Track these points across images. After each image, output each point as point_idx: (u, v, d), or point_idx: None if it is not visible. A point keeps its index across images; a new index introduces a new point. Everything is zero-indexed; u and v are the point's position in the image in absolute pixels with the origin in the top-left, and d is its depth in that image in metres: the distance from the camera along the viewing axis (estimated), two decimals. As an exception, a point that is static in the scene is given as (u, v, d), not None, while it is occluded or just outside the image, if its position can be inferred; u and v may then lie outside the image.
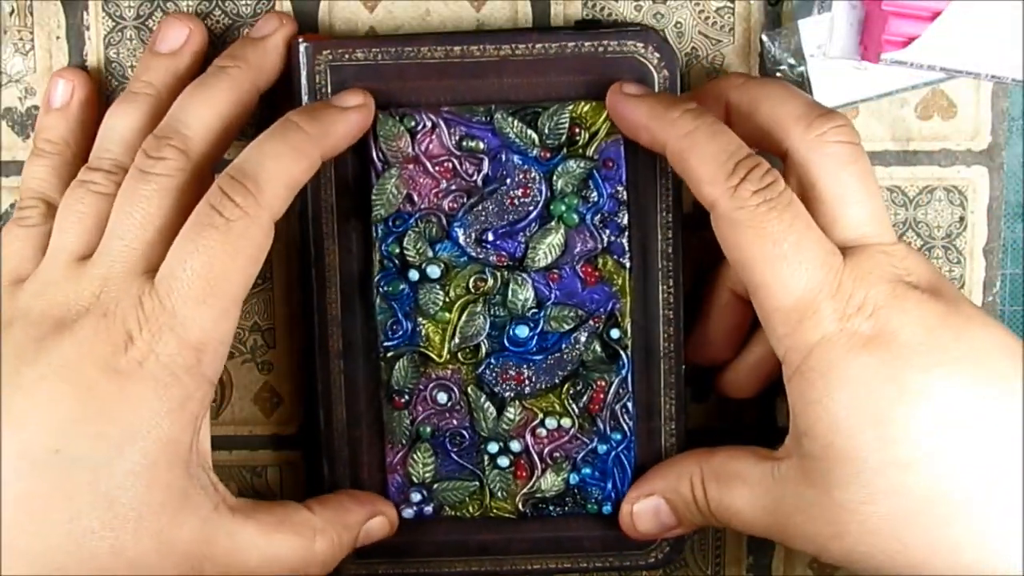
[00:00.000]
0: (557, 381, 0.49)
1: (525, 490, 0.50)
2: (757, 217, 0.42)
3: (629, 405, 0.49)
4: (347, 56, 0.48)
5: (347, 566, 0.50)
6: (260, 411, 0.53)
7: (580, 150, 0.48)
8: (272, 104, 0.50)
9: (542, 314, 0.49)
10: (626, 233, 0.48)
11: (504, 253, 0.48)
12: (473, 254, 0.48)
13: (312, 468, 0.52)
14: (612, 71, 0.48)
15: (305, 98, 0.48)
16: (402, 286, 0.48)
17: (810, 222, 0.42)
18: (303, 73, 0.48)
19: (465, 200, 0.48)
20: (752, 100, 0.46)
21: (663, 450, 0.50)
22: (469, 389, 0.49)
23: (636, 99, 0.46)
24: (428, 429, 0.49)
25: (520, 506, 0.50)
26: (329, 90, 0.48)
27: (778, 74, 0.50)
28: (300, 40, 0.48)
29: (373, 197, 0.48)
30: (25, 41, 0.51)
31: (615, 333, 0.49)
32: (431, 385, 0.49)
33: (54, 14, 0.51)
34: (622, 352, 0.49)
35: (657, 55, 0.48)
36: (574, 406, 0.49)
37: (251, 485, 0.53)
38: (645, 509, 0.48)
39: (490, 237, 0.48)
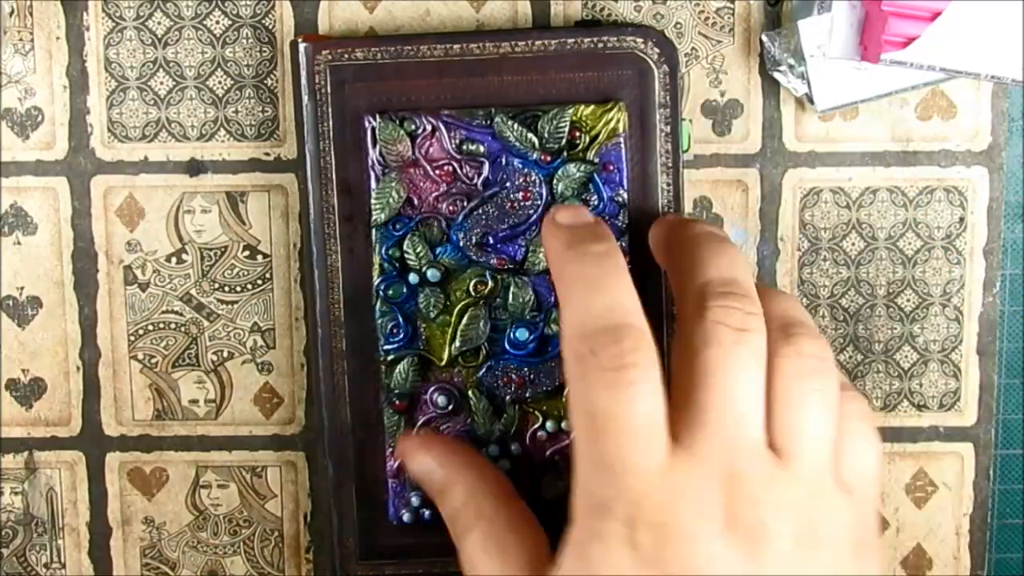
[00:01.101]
0: (557, 384, 0.50)
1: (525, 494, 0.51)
2: (604, 397, 0.37)
3: None
4: (347, 56, 0.49)
5: (352, 567, 0.50)
6: (260, 411, 0.53)
7: (580, 153, 0.49)
8: (273, 103, 0.51)
9: (542, 317, 0.49)
10: (625, 236, 0.49)
11: (504, 256, 0.49)
12: (473, 257, 0.49)
13: (315, 468, 0.52)
14: (612, 68, 0.48)
15: (305, 98, 0.48)
16: (403, 289, 0.49)
17: (660, 418, 0.38)
18: (303, 73, 0.49)
19: (465, 204, 0.49)
20: (698, 244, 0.42)
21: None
22: (469, 392, 0.50)
23: (552, 229, 0.43)
24: None
25: None
26: (329, 90, 0.48)
27: (778, 74, 0.50)
28: (300, 40, 0.49)
29: (373, 201, 0.49)
30: (25, 41, 0.52)
31: None
32: (431, 389, 0.50)
33: (54, 14, 0.52)
34: None
35: (657, 51, 0.48)
36: None
37: (251, 485, 0.54)
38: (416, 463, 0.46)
39: (490, 240, 0.49)
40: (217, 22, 0.51)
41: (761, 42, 0.51)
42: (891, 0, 0.46)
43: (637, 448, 0.37)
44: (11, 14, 0.52)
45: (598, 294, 0.39)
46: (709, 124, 0.52)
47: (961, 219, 0.52)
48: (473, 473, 0.44)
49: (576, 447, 0.38)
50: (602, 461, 0.38)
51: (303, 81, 0.49)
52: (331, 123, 0.48)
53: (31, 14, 0.52)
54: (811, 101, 0.49)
